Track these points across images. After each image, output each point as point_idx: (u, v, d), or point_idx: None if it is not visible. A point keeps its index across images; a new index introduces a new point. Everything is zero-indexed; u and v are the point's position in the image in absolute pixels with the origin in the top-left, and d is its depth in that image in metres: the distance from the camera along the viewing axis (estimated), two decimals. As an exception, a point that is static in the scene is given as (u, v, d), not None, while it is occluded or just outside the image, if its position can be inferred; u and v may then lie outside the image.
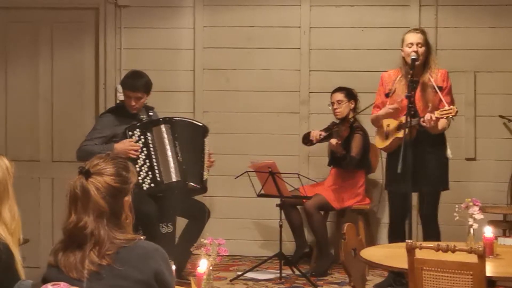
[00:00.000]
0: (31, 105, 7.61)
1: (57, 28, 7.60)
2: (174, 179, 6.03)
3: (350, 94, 6.89)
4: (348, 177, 6.84)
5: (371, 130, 6.63)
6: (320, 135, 6.82)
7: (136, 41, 7.56)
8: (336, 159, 6.80)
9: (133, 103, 6.10)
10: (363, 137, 6.78)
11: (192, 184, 6.15)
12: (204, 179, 6.28)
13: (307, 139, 6.92)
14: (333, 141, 6.60)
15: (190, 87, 7.53)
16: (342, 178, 6.85)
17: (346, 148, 6.71)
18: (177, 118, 6.25)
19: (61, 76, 7.60)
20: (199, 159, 6.26)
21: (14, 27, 7.63)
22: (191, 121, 6.48)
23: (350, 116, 6.86)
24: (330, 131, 6.87)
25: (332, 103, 6.89)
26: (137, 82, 6.14)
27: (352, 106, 6.89)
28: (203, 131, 6.36)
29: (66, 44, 7.60)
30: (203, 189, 6.35)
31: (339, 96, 6.87)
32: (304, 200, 6.63)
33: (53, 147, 7.59)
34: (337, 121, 6.91)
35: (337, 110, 6.85)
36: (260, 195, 6.58)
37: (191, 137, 6.26)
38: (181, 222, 6.35)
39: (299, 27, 7.42)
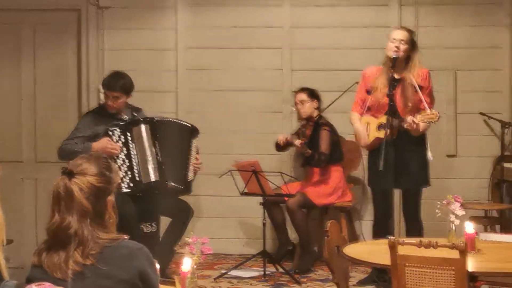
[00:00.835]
0: (14, 106, 7.58)
1: (39, 29, 7.57)
2: (152, 179, 6.01)
3: (313, 94, 6.93)
4: (324, 174, 6.85)
5: (340, 126, 6.75)
6: (286, 138, 6.86)
7: (118, 42, 7.54)
8: (307, 160, 6.81)
9: (110, 103, 6.10)
10: (330, 133, 6.81)
11: (172, 184, 6.13)
12: (188, 180, 6.26)
13: (277, 145, 6.95)
14: (297, 142, 6.65)
15: (173, 87, 7.52)
16: (318, 175, 6.87)
17: (315, 145, 6.73)
18: (158, 119, 6.23)
19: (44, 77, 7.57)
20: (184, 159, 6.24)
21: (-4, 28, 7.61)
22: (178, 121, 6.45)
23: (315, 114, 6.89)
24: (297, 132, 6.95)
25: (296, 104, 6.93)
26: (115, 82, 6.12)
27: (316, 105, 6.93)
28: (191, 131, 6.33)
29: (49, 45, 7.56)
30: (187, 189, 6.32)
31: (302, 96, 6.92)
32: (285, 198, 6.64)
33: (37, 147, 7.56)
34: (303, 122, 6.95)
35: (301, 110, 6.89)
36: (243, 194, 6.58)
37: (175, 138, 6.24)
38: (165, 221, 6.34)
39: (281, 27, 7.42)
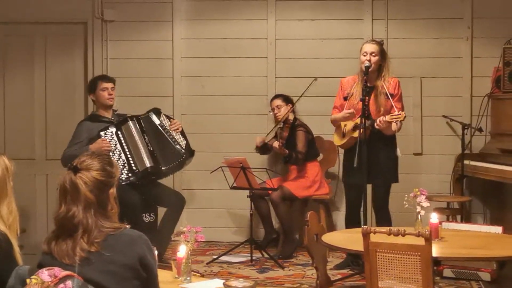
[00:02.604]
0: (27, 109, 7.56)
1: (50, 40, 7.55)
2: (147, 164, 6.02)
3: (287, 99, 6.95)
4: (303, 169, 6.85)
5: (319, 128, 6.70)
6: (263, 138, 6.87)
7: (121, 52, 7.51)
8: (286, 159, 6.80)
9: (110, 92, 6.20)
10: (305, 133, 6.80)
11: (164, 168, 6.12)
12: (184, 146, 6.24)
13: (256, 148, 6.94)
14: (275, 144, 6.65)
15: (170, 93, 7.50)
16: (298, 170, 6.87)
17: (292, 145, 6.72)
18: (141, 116, 6.24)
19: (54, 83, 7.56)
20: (167, 137, 6.21)
21: (11, 39, 7.58)
22: (145, 114, 6.31)
23: (290, 117, 6.88)
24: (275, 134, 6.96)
25: (273, 109, 6.93)
26: (108, 76, 6.37)
27: (290, 108, 6.92)
28: (155, 113, 6.29)
29: (58, 54, 7.55)
30: (189, 153, 6.29)
31: (278, 102, 6.92)
32: (269, 192, 6.64)
33: (47, 146, 7.54)
34: (281, 125, 6.95)
35: (277, 114, 6.90)
36: (232, 188, 6.57)
37: (154, 127, 6.24)
38: (161, 212, 6.34)
39: (266, 38, 7.41)
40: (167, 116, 6.37)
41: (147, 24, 7.50)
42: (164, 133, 6.24)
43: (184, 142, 6.30)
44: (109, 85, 6.23)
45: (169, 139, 6.23)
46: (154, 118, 6.27)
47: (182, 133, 6.33)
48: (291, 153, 6.66)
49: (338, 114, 6.02)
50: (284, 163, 6.96)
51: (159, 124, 6.25)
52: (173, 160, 6.19)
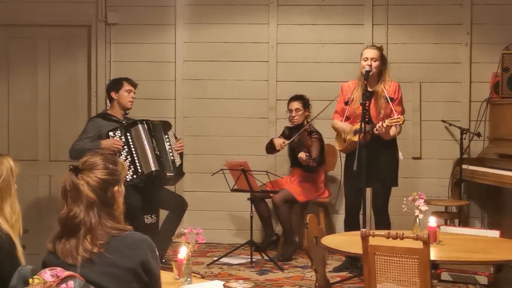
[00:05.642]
0: (31, 111, 7.56)
1: (53, 43, 7.56)
2: (153, 168, 6.03)
3: (306, 103, 6.90)
4: (311, 175, 6.85)
5: (325, 131, 6.72)
6: (284, 142, 6.82)
7: (124, 55, 7.52)
8: (297, 161, 6.78)
9: (133, 96, 6.24)
10: (320, 140, 6.80)
11: (168, 174, 6.14)
12: (176, 165, 6.25)
13: (271, 148, 6.91)
14: (302, 155, 6.55)
15: (172, 95, 7.51)
16: (305, 176, 6.85)
17: (304, 150, 6.69)
18: (152, 121, 6.25)
19: (57, 85, 7.56)
20: (165, 151, 6.22)
21: (15, 42, 7.58)
22: (158, 121, 6.38)
23: (306, 123, 6.86)
24: (289, 137, 6.89)
25: (290, 110, 6.89)
26: (133, 80, 6.35)
27: (307, 114, 6.91)
28: (164, 126, 6.34)
29: (62, 57, 7.55)
30: (179, 174, 6.32)
31: (297, 105, 6.87)
32: (271, 194, 6.64)
33: (51, 148, 7.54)
34: (291, 125, 6.92)
35: (295, 118, 6.86)
36: (233, 190, 6.57)
37: (161, 136, 6.25)
38: (162, 214, 6.34)
39: (268, 42, 7.42)
40: (174, 135, 6.39)
41: (150, 28, 7.51)
42: (166, 146, 6.24)
43: (179, 162, 6.29)
44: (133, 88, 6.26)
45: (168, 153, 6.23)
46: (163, 129, 6.27)
47: (180, 154, 6.35)
48: (315, 167, 6.65)
49: (338, 124, 6.05)
50: (292, 165, 6.95)
51: (164, 137, 6.25)
52: (170, 171, 6.20)
